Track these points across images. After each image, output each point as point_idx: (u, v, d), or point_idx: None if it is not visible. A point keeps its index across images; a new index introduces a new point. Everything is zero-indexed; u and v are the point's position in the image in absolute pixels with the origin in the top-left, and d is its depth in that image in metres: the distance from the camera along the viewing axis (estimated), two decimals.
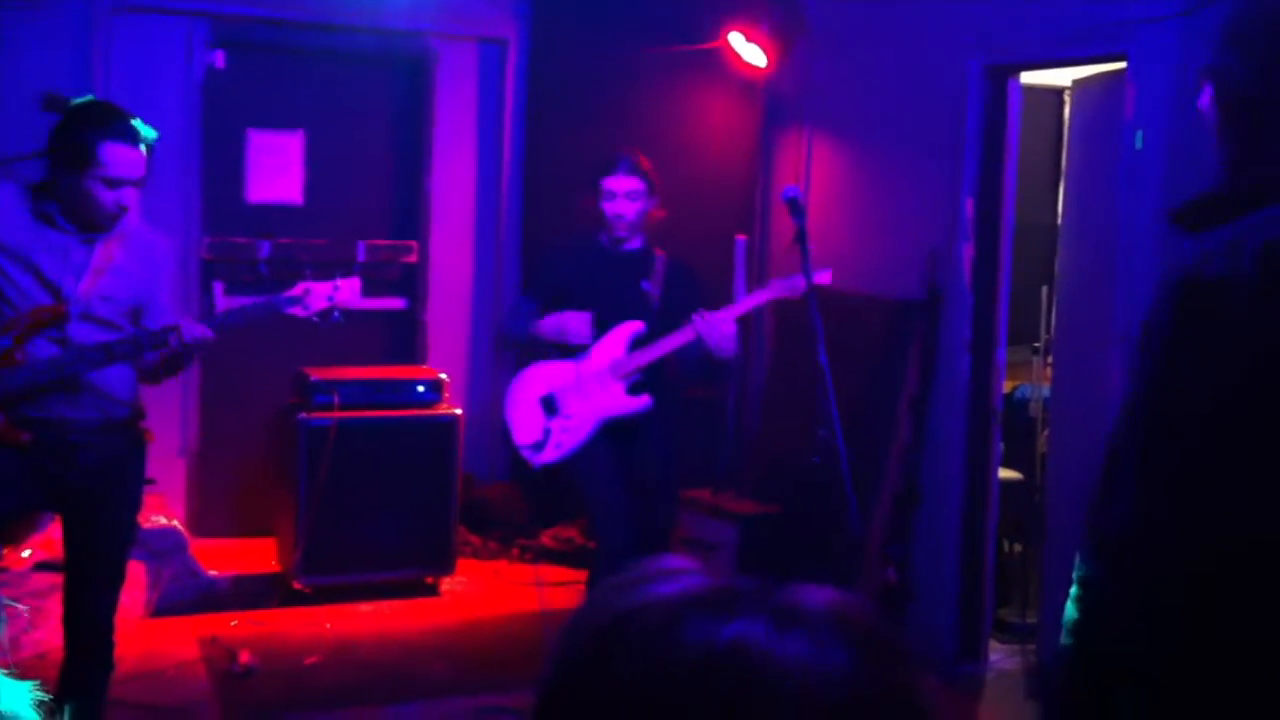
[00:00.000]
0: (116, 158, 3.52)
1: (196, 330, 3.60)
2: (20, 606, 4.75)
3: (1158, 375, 1.77)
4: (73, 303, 3.57)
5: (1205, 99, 1.89)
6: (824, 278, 4.45)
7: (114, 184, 3.54)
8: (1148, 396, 1.78)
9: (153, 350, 3.63)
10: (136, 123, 3.58)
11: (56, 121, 3.59)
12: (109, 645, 3.77)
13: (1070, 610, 1.88)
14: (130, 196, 3.59)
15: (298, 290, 3.82)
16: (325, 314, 3.82)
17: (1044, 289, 5.56)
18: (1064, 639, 1.90)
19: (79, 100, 3.67)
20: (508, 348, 5.34)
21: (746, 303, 4.70)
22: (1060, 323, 5.26)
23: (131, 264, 3.68)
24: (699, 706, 0.84)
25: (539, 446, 4.67)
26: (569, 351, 4.68)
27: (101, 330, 3.62)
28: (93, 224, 3.60)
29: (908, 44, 5.52)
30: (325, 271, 6.33)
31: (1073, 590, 1.87)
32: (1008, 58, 5.06)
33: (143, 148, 3.58)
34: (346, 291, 3.84)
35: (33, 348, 3.55)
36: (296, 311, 3.80)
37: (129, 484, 3.79)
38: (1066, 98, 5.66)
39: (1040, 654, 5.11)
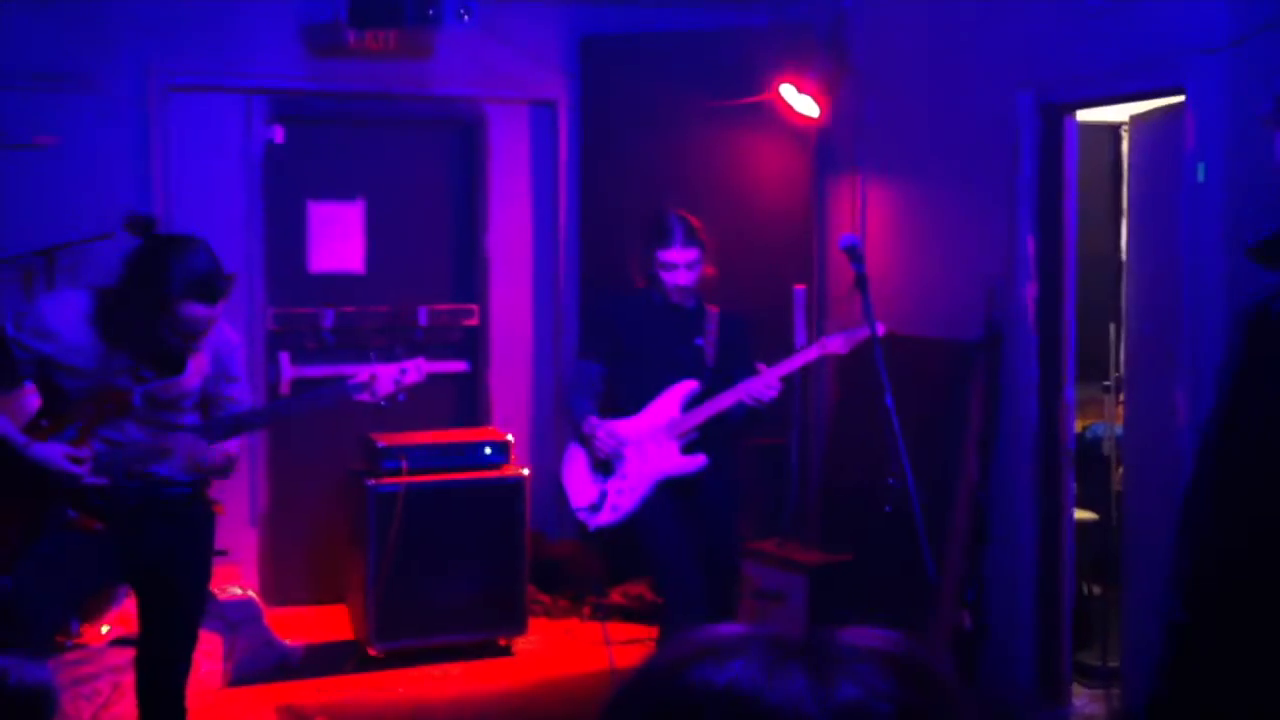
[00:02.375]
0: (193, 315, 3.48)
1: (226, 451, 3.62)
2: None
3: (1229, 409, 1.74)
4: (137, 399, 3.60)
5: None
6: (878, 329, 4.44)
7: (185, 336, 3.54)
8: (1220, 429, 1.75)
9: (221, 439, 3.67)
10: (220, 266, 3.51)
11: (137, 248, 3.53)
12: (183, 712, 3.85)
13: (1161, 651, 1.85)
14: (197, 341, 3.58)
15: (364, 375, 3.79)
16: (391, 397, 3.82)
17: (1111, 325, 5.50)
18: (1154, 680, 1.87)
19: (166, 234, 3.61)
20: (565, 418, 5.28)
21: (791, 363, 4.65)
22: (1129, 359, 5.20)
23: (202, 364, 3.69)
24: None
25: (595, 509, 4.66)
26: (622, 411, 4.68)
27: (160, 431, 3.65)
28: (152, 359, 3.60)
29: (959, 86, 5.52)
30: (388, 338, 6.44)
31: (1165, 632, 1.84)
32: (1062, 96, 5.04)
33: (221, 302, 3.52)
34: (413, 374, 3.84)
35: (96, 442, 3.59)
36: (364, 398, 3.78)
37: (200, 557, 3.85)
38: (1123, 133, 5.62)
39: (1124, 698, 5.01)
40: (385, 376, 3.79)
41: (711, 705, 0.89)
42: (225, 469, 3.78)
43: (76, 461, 3.52)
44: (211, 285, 3.47)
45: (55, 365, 3.54)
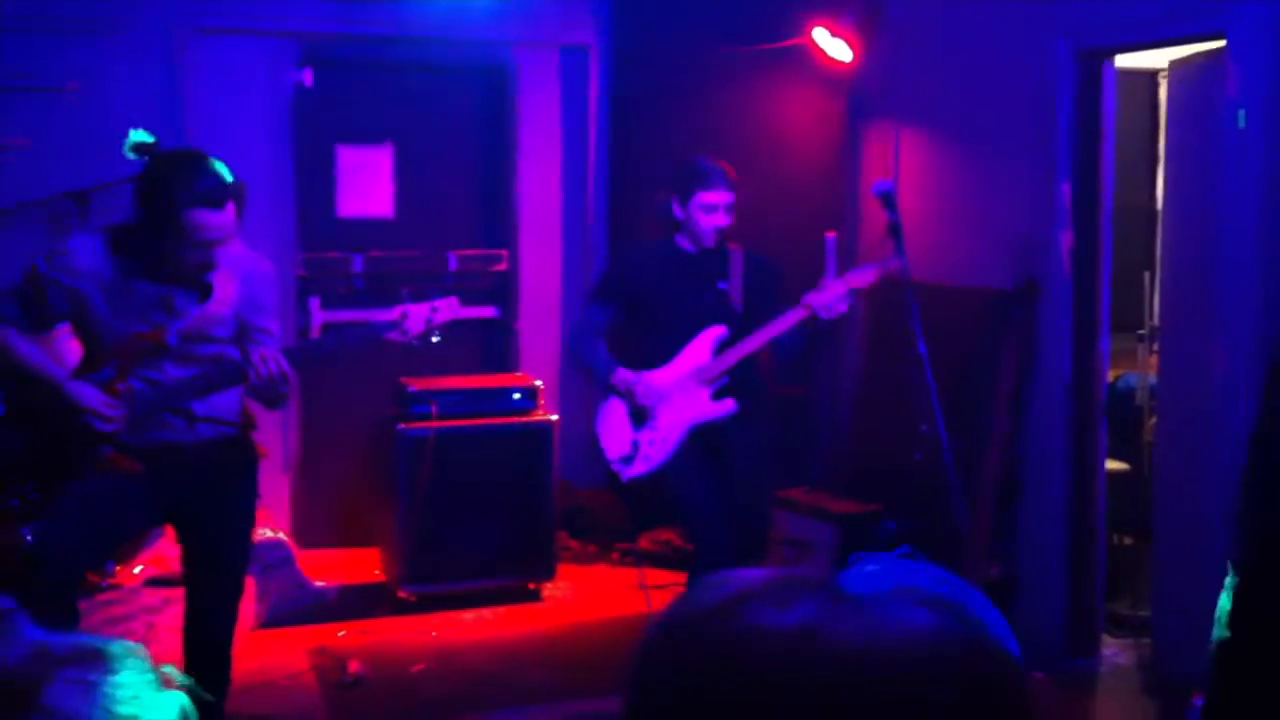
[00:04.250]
0: (203, 222, 3.39)
1: (266, 370, 3.47)
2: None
3: None
4: (172, 336, 3.56)
5: None
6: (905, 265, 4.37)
7: (200, 247, 3.45)
8: None
9: (245, 379, 3.57)
10: (223, 173, 3.42)
11: (143, 169, 3.48)
12: (229, 659, 3.81)
13: (1224, 601, 1.83)
14: (216, 253, 3.49)
15: (395, 314, 3.71)
16: (424, 336, 3.74)
17: (1146, 275, 5.44)
18: (1218, 631, 1.86)
19: (166, 150, 3.53)
20: (576, 368, 5.19)
21: (858, 277, 4.45)
22: (1165, 309, 5.15)
23: (231, 293, 3.62)
24: (782, 693, 0.85)
25: (628, 460, 4.65)
26: (650, 363, 4.65)
27: (197, 365, 3.59)
28: (177, 280, 3.54)
29: (995, 31, 5.44)
30: (418, 283, 6.43)
31: (1228, 580, 1.82)
32: (1100, 41, 4.96)
33: (231, 204, 3.43)
34: (445, 311, 3.75)
35: (134, 380, 3.56)
36: (395, 336, 3.70)
37: (244, 498, 3.80)
38: (1161, 79, 5.54)
39: (1155, 647, 5.00)
40: (416, 315, 3.71)
41: (777, 647, 0.86)
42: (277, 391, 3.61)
43: (111, 409, 3.51)
44: (216, 189, 3.39)
45: (89, 303, 3.51)
